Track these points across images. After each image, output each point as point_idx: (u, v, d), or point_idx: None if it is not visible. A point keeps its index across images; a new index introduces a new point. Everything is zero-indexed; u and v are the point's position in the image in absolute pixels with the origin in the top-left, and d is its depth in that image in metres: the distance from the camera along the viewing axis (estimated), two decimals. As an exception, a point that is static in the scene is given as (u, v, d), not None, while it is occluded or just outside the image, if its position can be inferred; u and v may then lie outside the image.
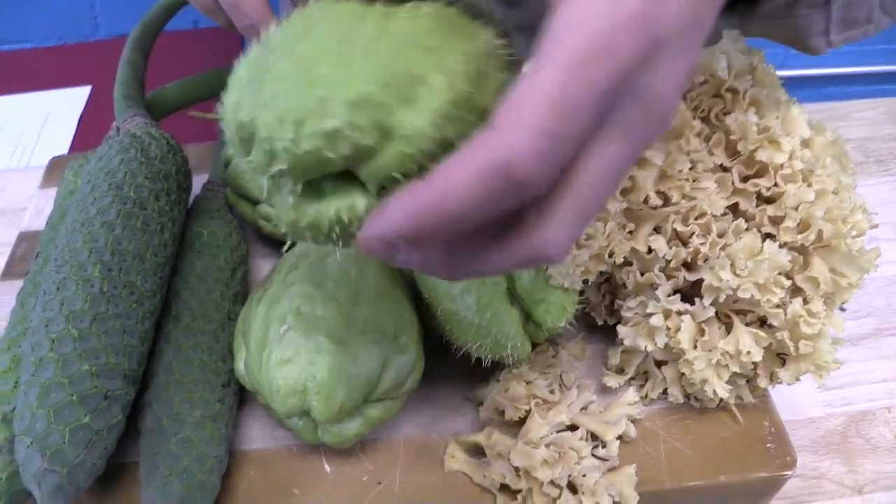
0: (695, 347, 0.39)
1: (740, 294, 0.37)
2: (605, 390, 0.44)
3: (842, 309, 0.56)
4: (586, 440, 0.41)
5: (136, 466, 0.41)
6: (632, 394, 0.42)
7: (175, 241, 0.42)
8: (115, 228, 0.38)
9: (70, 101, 0.79)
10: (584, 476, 0.39)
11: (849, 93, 0.89)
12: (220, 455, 0.38)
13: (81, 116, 0.77)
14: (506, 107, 0.20)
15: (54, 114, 0.77)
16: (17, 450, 0.34)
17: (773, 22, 0.35)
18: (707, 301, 0.39)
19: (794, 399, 0.50)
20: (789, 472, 0.41)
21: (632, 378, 0.44)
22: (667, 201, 0.40)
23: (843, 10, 0.32)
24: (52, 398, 0.34)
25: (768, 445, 0.42)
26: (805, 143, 0.41)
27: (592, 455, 0.40)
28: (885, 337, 0.54)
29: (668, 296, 0.39)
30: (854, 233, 0.38)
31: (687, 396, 0.43)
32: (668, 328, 0.39)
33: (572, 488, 0.39)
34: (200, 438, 0.37)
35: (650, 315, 0.39)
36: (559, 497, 0.38)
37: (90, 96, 0.80)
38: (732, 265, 0.37)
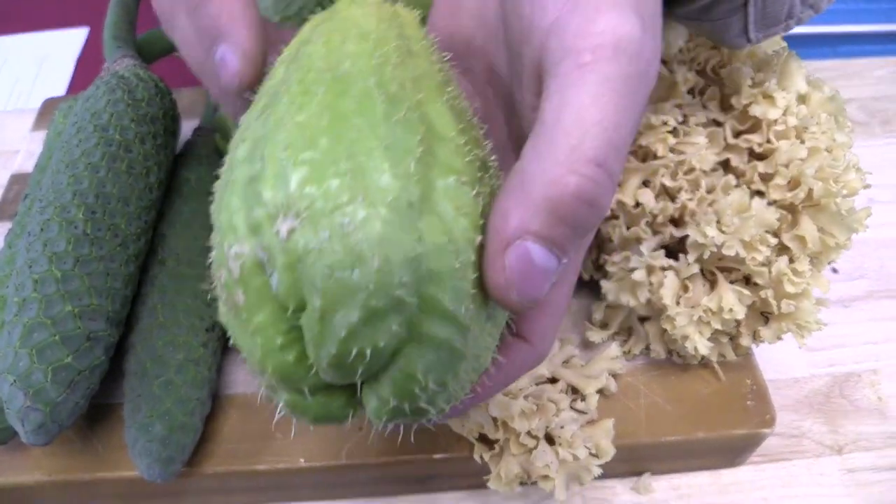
0: (677, 303, 0.39)
1: (725, 251, 0.37)
2: (587, 345, 0.44)
3: (834, 270, 0.55)
4: (566, 393, 0.41)
5: (121, 407, 0.41)
6: (614, 349, 0.43)
7: (161, 186, 0.42)
8: (100, 171, 0.38)
9: (67, 43, 0.78)
10: (561, 428, 0.39)
11: (864, 51, 0.87)
12: (202, 398, 0.39)
13: (79, 59, 0.77)
14: (529, 320, 0.24)
15: (52, 55, 0.76)
16: (1, 387, 0.34)
17: (690, 24, 0.34)
18: (691, 257, 0.38)
19: (778, 358, 0.50)
20: (768, 430, 0.42)
21: (615, 333, 0.44)
22: (651, 154, 0.39)
23: (759, 12, 0.32)
24: (34, 338, 0.34)
25: (748, 403, 0.42)
26: (801, 99, 0.40)
27: (571, 408, 0.40)
28: (877, 300, 0.54)
29: (653, 251, 0.39)
30: (845, 192, 0.38)
31: (669, 353, 0.43)
32: (651, 284, 0.39)
33: (549, 439, 0.39)
34: (183, 381, 0.38)
35: (633, 270, 0.39)
36: (535, 447, 0.39)
37: (87, 38, 0.79)
38: (718, 221, 0.37)
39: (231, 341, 0.22)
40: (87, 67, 0.76)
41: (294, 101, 0.21)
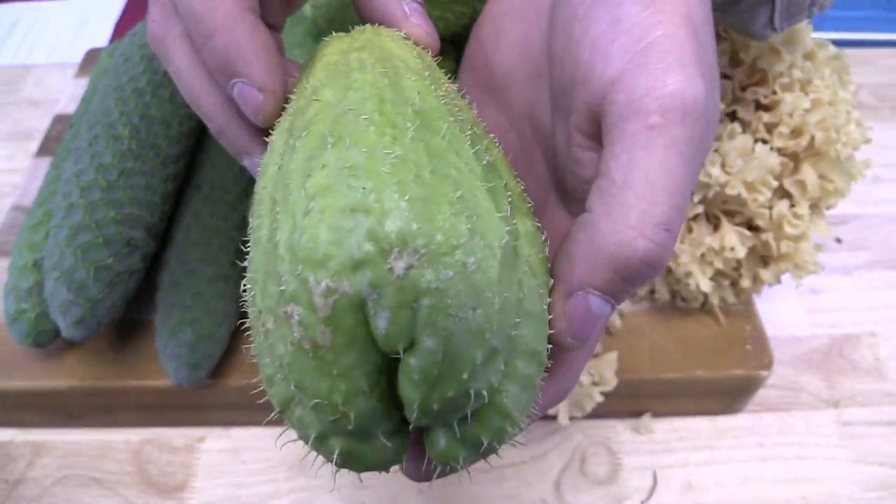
0: (682, 242, 0.41)
1: (728, 191, 0.39)
2: (595, 288, 0.46)
3: (838, 240, 0.57)
4: (572, 326, 0.43)
5: (151, 323, 0.44)
6: (620, 289, 0.45)
7: (199, 117, 0.45)
8: (145, 95, 0.41)
9: (106, 8, 0.82)
10: (566, 355, 0.41)
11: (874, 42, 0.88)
12: (230, 311, 0.41)
13: (118, 22, 0.80)
14: (565, 357, 0.24)
15: (91, 17, 0.80)
16: (46, 284, 0.37)
17: (717, 15, 0.35)
18: (696, 198, 0.40)
19: (780, 317, 0.52)
20: (765, 373, 0.43)
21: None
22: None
23: (785, 2, 0.33)
24: (79, 238, 0.37)
25: (747, 347, 0.44)
26: (807, 56, 0.42)
27: (577, 338, 0.42)
28: (878, 270, 0.55)
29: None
30: (845, 141, 0.39)
31: (673, 296, 0.45)
32: (657, 223, 0.41)
33: (555, 366, 0.41)
34: (213, 294, 0.40)
35: (641, 208, 0.41)
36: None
37: (126, 4, 0.82)
38: (723, 163, 0.39)
39: (272, 389, 0.21)
40: (125, 29, 0.79)
41: (383, 131, 0.20)
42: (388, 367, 0.19)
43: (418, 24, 0.27)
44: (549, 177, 0.27)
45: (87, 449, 0.46)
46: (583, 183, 0.24)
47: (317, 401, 0.19)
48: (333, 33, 0.27)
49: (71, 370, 0.43)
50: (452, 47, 0.52)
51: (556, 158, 0.26)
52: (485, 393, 0.19)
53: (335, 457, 0.20)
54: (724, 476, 0.45)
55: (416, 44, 0.27)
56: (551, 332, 0.21)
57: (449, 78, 0.26)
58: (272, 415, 0.21)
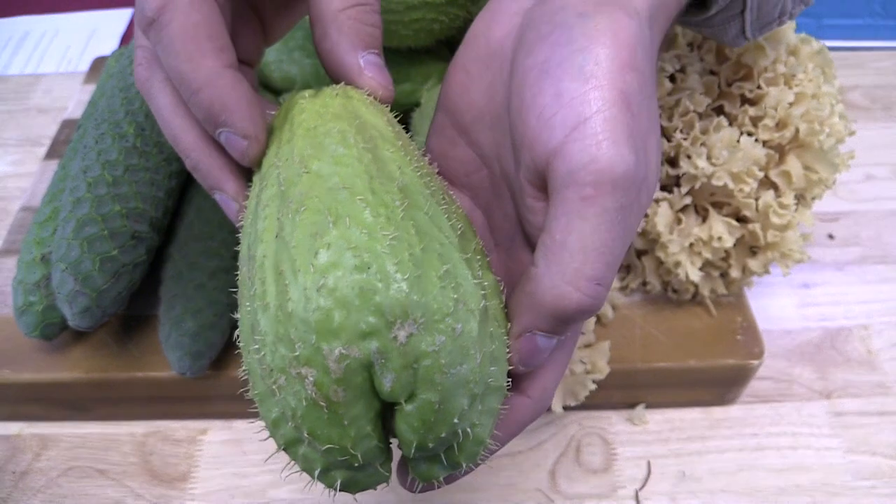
0: (671, 233, 0.42)
1: (714, 182, 0.40)
2: (589, 281, 0.47)
3: (830, 237, 0.58)
4: (566, 317, 0.44)
5: (155, 319, 0.45)
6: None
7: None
8: (149, 96, 0.42)
9: (114, 21, 0.84)
10: (559, 344, 0.42)
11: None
12: (231, 302, 0.42)
13: (124, 34, 0.82)
14: (533, 379, 0.27)
15: (100, 30, 0.82)
16: (53, 274, 0.38)
17: (691, 28, 0.37)
18: (684, 189, 0.41)
19: (774, 312, 0.53)
20: (755, 362, 0.44)
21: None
22: (654, 96, 0.42)
23: (755, 16, 0.34)
24: (86, 231, 0.38)
25: (738, 337, 0.45)
26: (791, 52, 0.43)
27: (569, 328, 0.43)
28: (870, 265, 0.56)
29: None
30: (828, 132, 0.40)
31: (665, 288, 0.46)
32: (646, 214, 0.42)
33: (548, 355, 0.42)
34: (215, 286, 0.42)
35: (630, 199, 0.42)
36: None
37: (132, 17, 0.85)
38: (709, 155, 0.40)
39: (279, 431, 0.24)
40: (132, 41, 0.81)
41: (377, 211, 0.23)
42: (382, 411, 0.23)
43: (372, 77, 0.29)
44: (515, 214, 0.30)
45: (92, 441, 0.47)
46: (535, 229, 0.27)
47: (329, 446, 0.22)
48: (304, 92, 0.29)
49: (77, 363, 0.44)
50: (447, 48, 0.53)
51: (516, 202, 0.29)
52: (469, 430, 0.23)
53: (337, 485, 0.24)
54: (717, 465, 0.45)
55: (373, 96, 0.29)
56: (510, 367, 0.26)
57: (409, 134, 0.30)
58: (274, 452, 0.25)
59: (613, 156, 0.23)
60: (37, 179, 0.56)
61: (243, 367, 0.25)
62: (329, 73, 0.30)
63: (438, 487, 0.27)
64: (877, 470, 0.45)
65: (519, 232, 0.29)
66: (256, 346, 0.23)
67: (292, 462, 0.24)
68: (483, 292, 0.24)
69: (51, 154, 0.58)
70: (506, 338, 0.26)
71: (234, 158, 0.27)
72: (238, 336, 0.25)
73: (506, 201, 0.30)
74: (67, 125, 0.60)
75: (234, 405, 0.46)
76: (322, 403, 0.22)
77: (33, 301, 0.41)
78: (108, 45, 0.80)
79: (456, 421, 0.23)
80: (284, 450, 0.24)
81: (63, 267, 0.38)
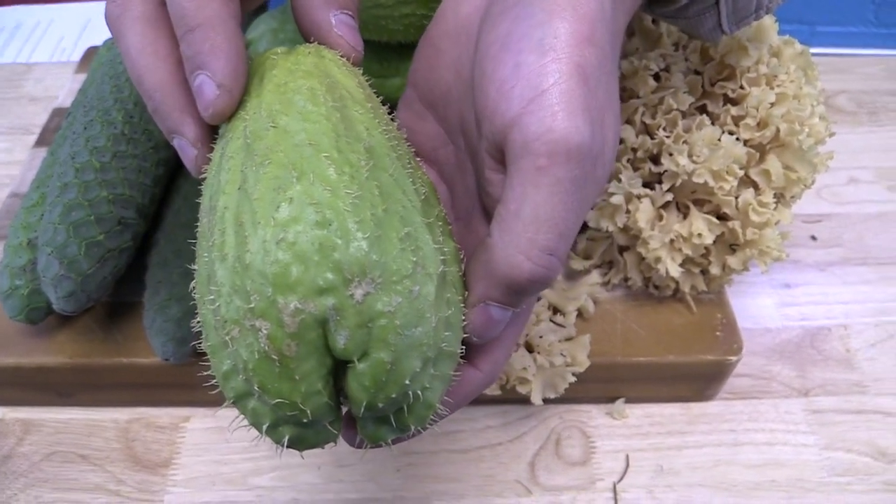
0: (652, 229, 0.42)
1: (695, 179, 0.40)
2: (571, 276, 0.48)
3: (813, 238, 0.59)
4: (548, 309, 0.44)
5: (140, 305, 0.45)
6: (595, 275, 0.46)
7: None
8: (138, 84, 0.43)
9: (108, 12, 0.84)
10: (540, 337, 0.43)
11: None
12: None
13: (118, 26, 0.82)
14: (483, 352, 0.28)
15: (94, 21, 0.82)
16: (39, 258, 0.39)
17: (667, 20, 0.38)
18: (665, 186, 0.42)
19: (755, 311, 0.53)
20: (734, 358, 0.45)
21: (597, 266, 0.48)
22: (634, 95, 0.43)
23: (730, 8, 0.35)
24: (72, 216, 0.39)
25: (717, 333, 0.46)
26: (773, 53, 0.44)
27: (551, 321, 0.44)
28: (851, 266, 0.57)
29: (631, 181, 0.43)
30: (808, 132, 0.41)
31: (646, 284, 0.47)
32: (628, 210, 0.43)
33: (529, 347, 0.43)
34: (200, 273, 0.42)
35: (612, 195, 0.43)
36: (516, 352, 0.42)
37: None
38: (690, 152, 0.41)
39: (229, 384, 0.23)
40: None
41: (342, 169, 0.23)
42: (335, 369, 0.23)
43: (341, 36, 0.29)
44: (476, 188, 0.30)
45: (75, 427, 0.47)
46: (493, 201, 0.27)
47: (279, 400, 0.22)
48: (276, 49, 0.29)
49: (61, 347, 0.44)
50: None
51: (477, 176, 0.29)
52: (419, 392, 0.23)
53: (285, 441, 0.24)
54: (695, 460, 0.46)
55: (342, 56, 0.29)
56: (465, 335, 0.26)
57: (379, 98, 0.29)
58: (224, 404, 0.25)
59: (568, 127, 0.23)
60: (26, 167, 0.56)
61: (197, 319, 0.25)
62: (301, 30, 0.30)
63: (386, 445, 0.26)
64: (851, 467, 0.46)
65: (478, 204, 0.30)
66: (212, 297, 0.23)
67: (241, 416, 0.24)
68: (443, 258, 0.24)
69: (40, 142, 0.58)
70: (462, 306, 0.26)
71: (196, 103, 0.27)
72: (194, 287, 0.25)
73: (468, 175, 0.31)
74: (58, 114, 0.60)
75: (218, 393, 0.46)
76: (274, 357, 0.22)
77: (19, 285, 0.41)
78: (102, 35, 0.80)
79: (407, 382, 0.23)
80: (234, 403, 0.24)
81: (49, 251, 0.38)
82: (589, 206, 0.26)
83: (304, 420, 0.23)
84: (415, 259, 0.23)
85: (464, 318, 0.26)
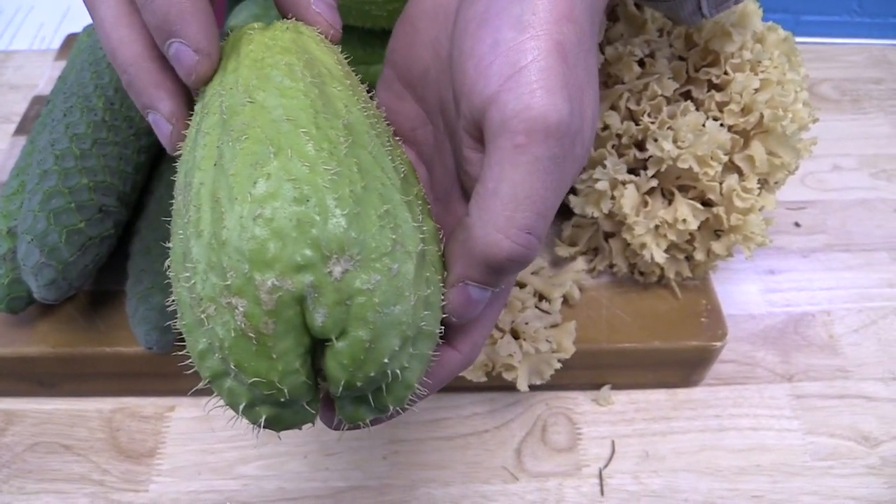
0: (637, 215, 0.42)
1: (680, 164, 0.40)
2: (557, 263, 0.48)
3: (797, 224, 0.59)
4: (533, 296, 0.44)
5: (122, 294, 0.45)
6: (580, 262, 0.46)
7: (173, 93, 0.46)
8: (119, 70, 0.42)
9: None
10: (526, 324, 0.43)
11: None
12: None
13: (99, 14, 0.81)
14: (461, 333, 0.27)
15: (73, 9, 0.81)
16: (19, 247, 0.38)
17: (647, 3, 0.37)
18: (650, 172, 0.42)
19: (739, 297, 0.54)
20: (718, 344, 0.45)
21: (583, 253, 0.48)
22: (619, 81, 0.43)
23: None
24: (52, 203, 0.38)
25: (702, 320, 0.46)
26: (757, 39, 0.44)
27: (536, 307, 0.44)
28: (835, 252, 0.57)
29: (616, 167, 0.43)
30: (791, 118, 0.41)
31: (631, 271, 0.47)
32: (613, 197, 0.43)
33: (515, 334, 0.43)
34: (183, 261, 0.41)
35: (597, 181, 0.43)
36: (501, 338, 0.42)
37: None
38: (675, 138, 0.41)
39: (204, 363, 0.23)
40: (107, 20, 0.80)
41: (320, 146, 0.23)
42: (312, 348, 0.23)
43: (319, 13, 0.28)
44: (455, 168, 0.30)
45: (58, 417, 0.46)
46: (472, 180, 0.27)
47: (256, 379, 0.22)
48: (253, 24, 0.29)
49: (43, 337, 0.44)
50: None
51: (456, 156, 0.29)
52: (398, 371, 0.23)
53: (262, 421, 0.23)
54: (680, 445, 0.46)
55: (320, 32, 0.29)
56: (444, 316, 0.26)
57: (358, 76, 0.29)
58: (200, 384, 0.24)
59: (547, 104, 0.23)
60: (6, 155, 0.56)
61: (172, 298, 0.24)
62: (278, 7, 0.29)
63: (364, 428, 0.26)
64: (834, 451, 0.46)
65: (456, 185, 0.30)
66: (187, 275, 0.22)
67: (217, 396, 0.24)
68: (422, 236, 0.24)
69: (20, 130, 0.57)
70: (442, 285, 0.25)
71: (171, 77, 0.26)
72: (168, 266, 0.25)
73: (447, 156, 0.30)
74: (38, 101, 0.59)
75: (203, 383, 0.46)
76: (251, 335, 0.21)
77: (-1, 274, 0.41)
78: (81, 23, 0.79)
79: (386, 361, 0.22)
80: (209, 382, 0.24)
81: (29, 239, 0.38)
82: (568, 184, 0.25)
83: (282, 399, 0.22)
84: (394, 237, 0.23)
85: (443, 298, 0.25)
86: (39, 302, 0.40)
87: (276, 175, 0.22)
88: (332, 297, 0.21)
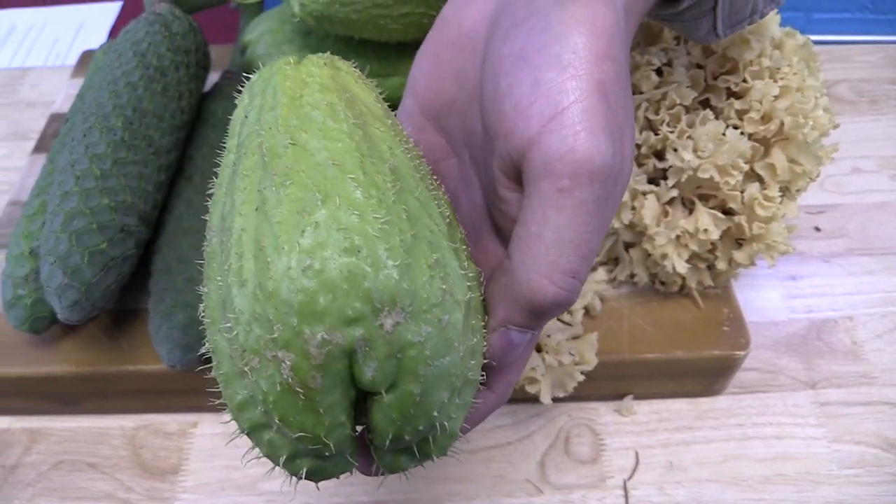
0: (658, 225, 0.42)
1: (700, 174, 0.40)
2: (577, 273, 0.48)
3: (817, 229, 0.59)
4: (554, 309, 0.44)
5: (144, 312, 0.45)
6: (601, 272, 0.46)
7: (191, 110, 0.46)
8: (138, 89, 0.43)
9: (103, 14, 0.84)
10: (548, 336, 0.42)
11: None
12: (221, 296, 0.42)
13: (112, 28, 0.82)
14: (497, 375, 0.27)
15: (88, 23, 0.82)
16: (42, 268, 0.38)
17: (663, 23, 0.37)
18: (671, 182, 0.42)
19: (760, 304, 0.53)
20: (741, 353, 0.45)
21: (603, 263, 0.48)
22: (637, 91, 0.43)
23: (726, 13, 0.34)
24: (74, 224, 0.38)
25: (724, 328, 0.45)
26: (776, 45, 0.43)
27: (558, 320, 0.44)
28: (856, 256, 0.57)
29: (636, 177, 0.43)
30: (812, 125, 0.41)
31: (652, 281, 0.46)
32: (633, 207, 0.43)
33: (537, 347, 0.43)
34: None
35: (618, 192, 0.42)
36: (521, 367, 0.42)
37: (121, 10, 0.84)
38: (695, 147, 0.41)
39: (244, 415, 0.22)
40: (121, 35, 0.80)
41: (369, 192, 0.22)
42: (357, 400, 0.23)
43: None
44: (484, 204, 0.30)
45: (82, 435, 0.47)
46: (508, 220, 0.27)
47: (301, 434, 0.21)
48: (288, 58, 0.28)
49: (67, 356, 0.44)
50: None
51: (490, 182, 0.28)
52: (446, 423, 0.23)
53: (303, 473, 0.23)
54: (704, 455, 0.46)
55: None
56: (485, 361, 0.25)
57: (393, 113, 0.29)
58: (235, 434, 0.24)
59: (591, 147, 0.23)
60: (25, 174, 0.56)
61: (207, 345, 0.24)
62: None
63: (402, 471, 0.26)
64: (861, 459, 0.45)
65: (487, 221, 0.29)
66: (228, 325, 0.22)
67: (254, 447, 0.23)
68: (469, 284, 0.24)
69: (39, 148, 0.58)
70: (484, 331, 0.25)
71: None
72: (203, 312, 0.24)
73: (474, 190, 0.30)
74: (55, 119, 0.60)
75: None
76: (298, 389, 0.21)
77: (22, 295, 0.41)
78: (96, 38, 0.79)
79: (435, 414, 0.22)
80: (248, 434, 0.23)
81: (52, 260, 0.38)
82: (609, 225, 0.25)
83: (327, 454, 0.22)
84: (444, 287, 0.22)
85: (485, 343, 0.25)
86: (62, 322, 0.40)
87: (325, 224, 0.21)
88: (383, 350, 0.21)
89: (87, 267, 0.38)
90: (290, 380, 0.21)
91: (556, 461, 0.45)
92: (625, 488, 0.44)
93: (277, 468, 0.24)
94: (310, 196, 0.22)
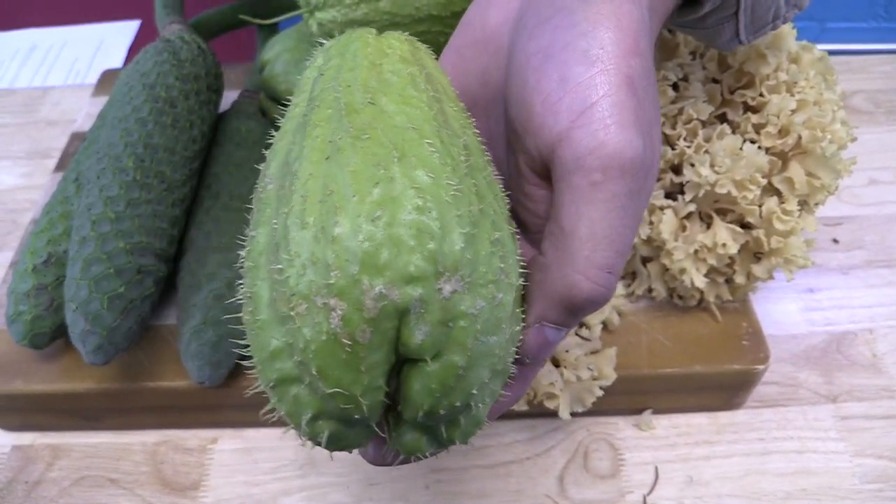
0: (676, 240, 0.42)
1: (718, 189, 0.40)
2: (595, 288, 0.48)
3: (835, 241, 0.58)
4: (572, 324, 0.44)
5: (166, 328, 0.46)
6: (619, 287, 0.46)
7: (204, 138, 0.47)
8: (148, 125, 0.43)
9: (121, 33, 0.85)
10: (566, 351, 0.42)
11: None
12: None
13: (131, 47, 0.83)
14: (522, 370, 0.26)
15: (107, 42, 0.83)
16: (66, 314, 0.39)
17: (685, 31, 0.37)
18: (688, 197, 0.42)
19: (779, 317, 0.53)
20: (761, 367, 0.44)
21: (621, 278, 0.48)
22: (657, 105, 0.43)
23: (748, 18, 0.34)
24: (92, 270, 0.39)
25: (744, 342, 0.45)
26: (792, 59, 0.44)
27: (576, 335, 0.44)
28: (875, 268, 0.56)
29: (653, 192, 0.43)
30: (830, 138, 0.41)
31: (670, 295, 0.46)
32: (651, 222, 0.43)
33: (555, 362, 0.43)
34: (233, 296, 0.42)
35: (635, 207, 0.42)
36: (542, 367, 0.42)
37: (139, 29, 0.85)
38: (712, 162, 0.41)
39: (274, 364, 0.21)
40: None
41: (444, 161, 0.22)
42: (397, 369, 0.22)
43: None
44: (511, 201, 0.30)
45: (104, 451, 0.47)
46: (535, 217, 0.27)
47: (337, 390, 0.20)
48: (369, 28, 0.29)
49: (88, 372, 0.45)
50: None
51: (510, 190, 0.28)
52: (480, 406, 0.22)
53: (322, 437, 0.22)
54: (724, 470, 0.45)
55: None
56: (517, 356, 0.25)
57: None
58: (256, 386, 0.22)
59: (622, 140, 0.23)
60: (46, 192, 0.57)
61: (243, 289, 0.23)
62: None
63: (419, 460, 0.25)
64: (883, 473, 0.45)
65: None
66: (279, 266, 0.21)
67: (272, 407, 0.22)
68: (521, 271, 0.24)
69: (60, 167, 0.59)
70: (523, 324, 0.25)
71: None
72: (244, 258, 0.23)
73: None
74: (77, 138, 0.60)
75: (245, 414, 0.46)
76: (345, 341, 0.20)
77: (23, 310, 0.41)
78: (115, 57, 0.81)
79: (474, 392, 0.21)
80: (272, 387, 0.22)
81: (74, 307, 0.38)
82: (641, 219, 0.25)
83: (356, 416, 0.21)
84: (502, 265, 0.22)
85: (520, 338, 0.25)
86: (63, 337, 0.41)
87: (400, 180, 0.21)
88: (437, 315, 0.20)
89: (107, 312, 0.38)
90: (337, 330, 0.20)
91: (575, 476, 0.45)
92: (644, 503, 0.44)
93: (291, 435, 0.22)
94: (387, 152, 0.21)
